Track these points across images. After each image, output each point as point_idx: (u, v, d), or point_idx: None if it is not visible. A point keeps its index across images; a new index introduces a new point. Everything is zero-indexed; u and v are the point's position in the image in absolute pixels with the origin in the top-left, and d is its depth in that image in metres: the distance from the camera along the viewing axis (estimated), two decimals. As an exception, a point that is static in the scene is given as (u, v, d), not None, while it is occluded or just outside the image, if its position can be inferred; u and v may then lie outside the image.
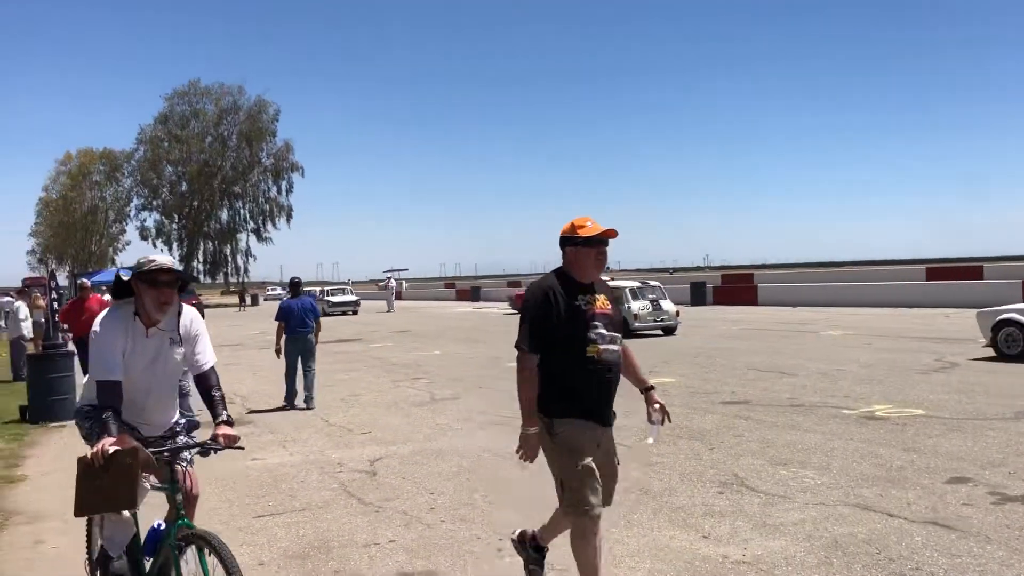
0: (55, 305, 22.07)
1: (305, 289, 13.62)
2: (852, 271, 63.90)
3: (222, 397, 3.97)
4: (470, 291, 59.29)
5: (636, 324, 20.45)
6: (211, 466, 7.86)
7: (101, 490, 3.52)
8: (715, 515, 5.66)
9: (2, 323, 40.63)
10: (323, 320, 12.49)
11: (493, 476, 6.99)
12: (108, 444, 3.50)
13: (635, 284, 22.32)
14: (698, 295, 35.81)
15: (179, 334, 3.92)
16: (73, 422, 11.01)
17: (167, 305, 3.79)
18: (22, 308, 16.88)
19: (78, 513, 3.70)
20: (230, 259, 75.16)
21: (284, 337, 11.60)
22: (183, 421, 4.31)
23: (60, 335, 13.81)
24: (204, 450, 3.78)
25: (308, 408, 11.32)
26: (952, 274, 37.82)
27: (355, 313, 42.49)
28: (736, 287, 39.53)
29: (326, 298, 42.06)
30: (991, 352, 13.35)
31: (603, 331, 3.93)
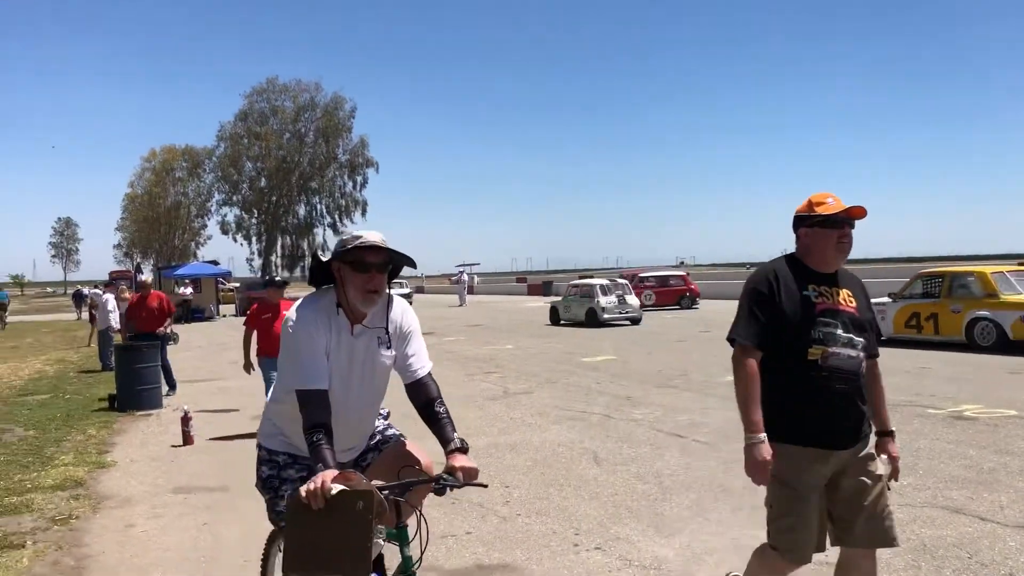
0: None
1: None
2: (935, 266, 61.74)
3: (448, 414, 3.11)
4: (541, 286, 59.27)
5: (604, 316, 24.35)
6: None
7: (321, 544, 2.60)
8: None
9: (84, 314, 42.37)
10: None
11: (568, 471, 6.97)
12: (329, 480, 2.61)
13: (604, 282, 26.30)
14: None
15: (388, 332, 3.12)
16: (160, 411, 11.35)
17: (376, 294, 2.97)
18: (110, 300, 17.44)
19: (289, 571, 2.70)
20: (307, 253, 76.44)
21: None
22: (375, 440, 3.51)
23: (118, 334, 14.00)
24: (439, 487, 2.89)
25: None
26: None
27: (408, 300, 44.12)
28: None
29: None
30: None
31: (836, 331, 3.18)
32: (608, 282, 26.13)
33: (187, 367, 16.79)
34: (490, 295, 61.87)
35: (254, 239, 75.06)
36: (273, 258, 74.83)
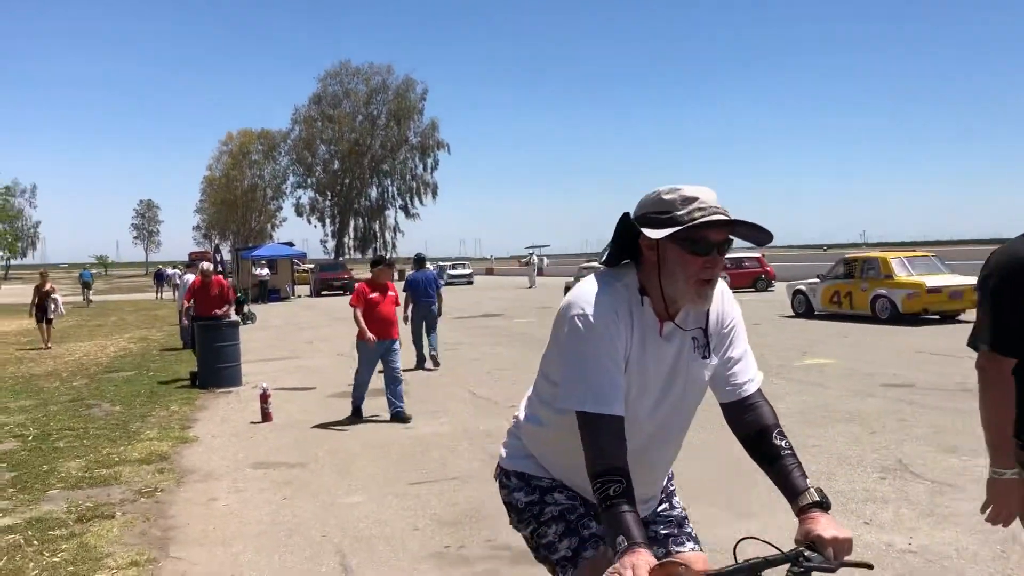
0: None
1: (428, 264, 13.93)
2: None
3: (793, 449, 2.16)
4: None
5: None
6: (365, 434, 8.18)
7: None
8: (877, 501, 5.41)
9: (166, 294, 43.86)
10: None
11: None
12: (645, 572, 1.73)
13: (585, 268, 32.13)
14: (854, 273, 34.24)
15: (707, 332, 2.17)
16: (240, 388, 11.62)
17: (710, 286, 2.03)
18: (190, 280, 17.92)
19: None
20: (379, 235, 77.45)
21: (411, 306, 12.86)
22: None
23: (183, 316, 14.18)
24: (801, 571, 1.86)
25: (436, 367, 12.66)
26: None
27: (470, 283, 52.53)
28: (894, 265, 37.48)
29: (447, 271, 53.20)
30: None
31: None
32: (587, 267, 30.64)
33: (264, 346, 17.19)
34: (560, 277, 61.77)
35: (327, 221, 76.33)
36: (346, 240, 76.00)
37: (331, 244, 75.78)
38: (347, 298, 16.70)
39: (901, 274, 17.33)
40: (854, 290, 18.40)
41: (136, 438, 8.23)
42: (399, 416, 8.74)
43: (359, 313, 8.79)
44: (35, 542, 5.16)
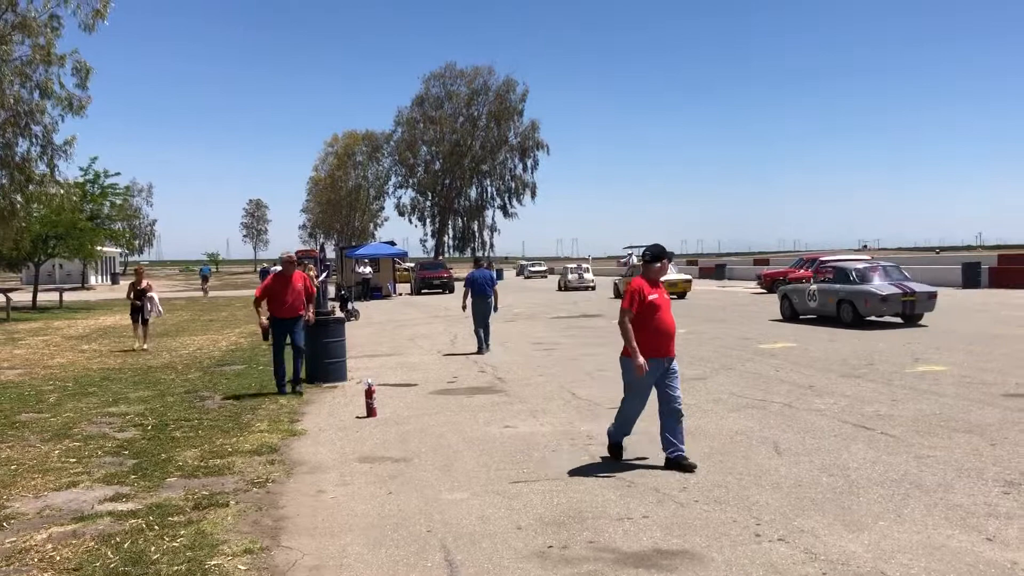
0: (323, 276, 24.02)
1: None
2: None
3: None
4: (714, 269, 57.92)
5: (569, 286, 37.47)
6: (467, 430, 8.25)
7: None
8: (1000, 516, 5.15)
9: None
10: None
11: (746, 459, 6.78)
12: None
13: (572, 265, 42.40)
14: (971, 277, 32.79)
15: None
16: (346, 383, 11.91)
17: None
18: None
19: None
20: (477, 234, 78.10)
21: (470, 300, 15.28)
22: None
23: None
24: None
25: (487, 351, 15.01)
26: None
27: (544, 277, 64.34)
28: (1017, 268, 35.64)
29: (528, 268, 73.82)
30: None
31: None
32: (576, 266, 36.23)
33: (367, 343, 17.55)
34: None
35: (427, 220, 77.38)
36: (446, 239, 76.90)
37: (430, 243, 76.84)
38: (447, 297, 16.90)
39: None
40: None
41: (247, 430, 8.52)
42: (679, 462, 6.53)
43: (627, 321, 6.58)
44: (155, 527, 5.39)
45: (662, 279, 6.97)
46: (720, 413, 8.80)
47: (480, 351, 15.04)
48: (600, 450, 7.22)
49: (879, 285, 18.03)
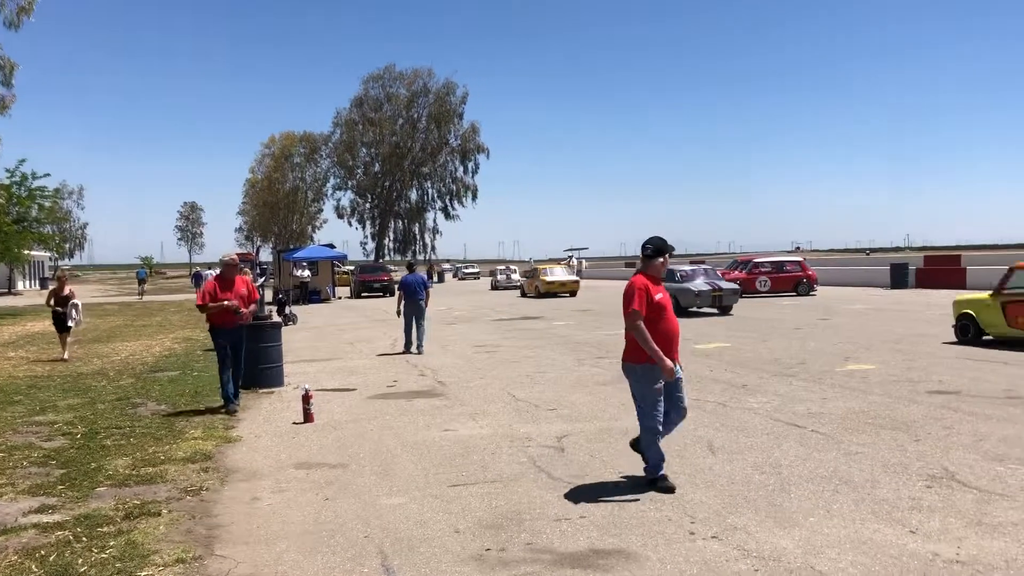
0: (261, 280, 23.75)
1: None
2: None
3: None
4: (652, 271, 58.43)
5: (499, 286, 43.97)
6: (406, 435, 8.22)
7: None
8: (923, 510, 5.32)
9: None
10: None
11: (681, 459, 6.88)
12: None
13: (501, 268, 48.71)
14: (899, 277, 33.78)
15: None
16: (282, 389, 11.72)
17: None
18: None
19: None
20: (418, 237, 77.76)
21: (403, 303, 16.09)
22: None
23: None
24: None
25: (420, 353, 15.48)
26: None
27: (477, 279, 71.08)
28: (941, 269, 36.82)
29: (462, 270, 78.59)
30: None
31: None
32: (503, 268, 39.00)
33: (305, 347, 17.36)
34: (599, 279, 61.57)
35: (367, 223, 76.81)
36: (386, 242, 76.40)
37: (371, 246, 76.28)
38: (388, 300, 16.88)
39: (545, 275, 18.82)
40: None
41: (181, 437, 8.36)
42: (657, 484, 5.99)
43: (642, 326, 5.98)
44: (83, 538, 5.26)
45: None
46: (657, 413, 8.89)
47: (408, 350, 15.75)
48: (538, 451, 7.26)
49: (696, 283, 22.90)
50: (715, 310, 23.04)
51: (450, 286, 58.38)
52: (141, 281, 55.22)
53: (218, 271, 10.81)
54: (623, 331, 6.37)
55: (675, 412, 6.20)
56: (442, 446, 7.65)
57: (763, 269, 31.14)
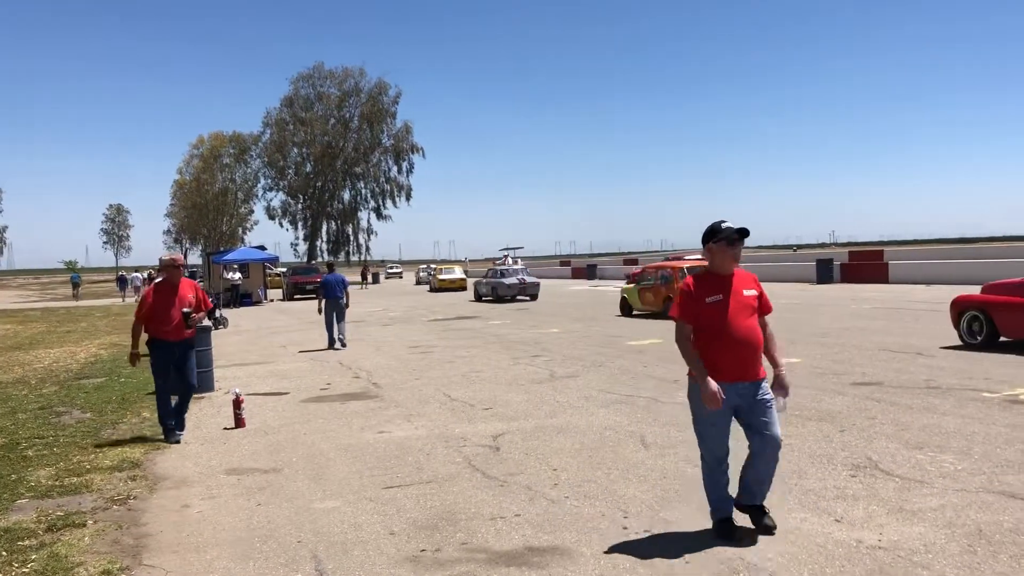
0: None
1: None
2: (992, 247, 60.56)
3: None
4: (586, 269, 59.13)
5: (421, 282, 50.24)
6: (340, 438, 8.15)
7: None
8: (848, 499, 5.48)
9: (130, 298, 44.34)
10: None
11: (615, 454, 6.96)
12: None
13: (423, 267, 47.55)
14: (824, 272, 34.68)
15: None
16: (213, 394, 11.48)
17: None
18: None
19: None
20: (352, 238, 77.12)
21: (324, 301, 16.81)
22: None
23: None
24: None
25: (343, 347, 16.48)
26: None
27: (400, 277, 75.24)
28: (865, 264, 37.97)
29: (387, 269, 76.01)
30: None
31: None
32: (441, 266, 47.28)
33: (236, 351, 17.07)
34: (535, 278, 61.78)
35: (300, 224, 75.88)
36: (318, 243, 75.58)
37: (302, 247, 75.38)
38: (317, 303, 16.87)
39: (443, 274, 24.94)
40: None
41: (107, 445, 8.15)
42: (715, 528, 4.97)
43: (685, 338, 4.91)
44: (3, 553, 5.10)
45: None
46: (591, 409, 9.00)
47: (332, 347, 16.55)
48: (474, 450, 7.27)
49: (508, 279, 32.02)
50: (527, 298, 32.10)
51: (386, 286, 58.34)
52: (75, 285, 57.26)
53: (155, 276, 10.18)
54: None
55: (758, 440, 4.88)
56: (376, 448, 7.61)
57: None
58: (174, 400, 8.57)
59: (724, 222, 4.84)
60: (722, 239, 4.78)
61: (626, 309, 22.95)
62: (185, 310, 8.42)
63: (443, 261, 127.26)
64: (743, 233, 4.80)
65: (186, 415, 8.75)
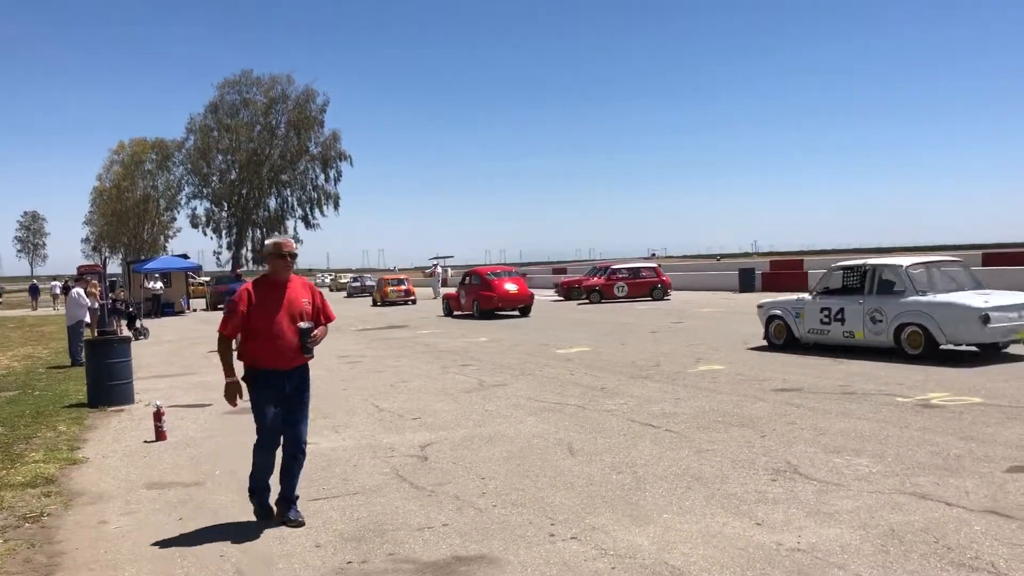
0: (108, 292, 22.66)
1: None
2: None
3: None
4: (516, 278, 59.21)
5: (354, 293, 51.71)
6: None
7: None
8: (768, 502, 5.61)
9: (49, 309, 43.13)
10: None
11: (543, 462, 7.01)
12: None
13: (350, 276, 51.16)
14: (747, 281, 35.40)
15: None
16: (132, 406, 11.20)
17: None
18: (81, 295, 17.25)
19: None
20: (278, 246, 75.77)
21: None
22: None
23: (88, 329, 13.41)
24: None
25: None
26: (1011, 260, 36.73)
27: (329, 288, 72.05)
28: (785, 273, 38.94)
29: (352, 283, 65.63)
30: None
31: None
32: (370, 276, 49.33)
33: (158, 362, 16.67)
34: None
35: (224, 232, 74.43)
36: (244, 251, 74.18)
37: (226, 256, 73.93)
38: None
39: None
40: None
41: (20, 461, 7.87)
42: None
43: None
44: (-91, 574, 4.89)
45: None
46: (519, 417, 9.03)
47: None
48: (402, 461, 7.23)
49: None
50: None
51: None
52: None
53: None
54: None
55: None
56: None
57: (620, 275, 32.03)
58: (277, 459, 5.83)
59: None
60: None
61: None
62: (302, 325, 5.78)
63: (372, 270, 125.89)
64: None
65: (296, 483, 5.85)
